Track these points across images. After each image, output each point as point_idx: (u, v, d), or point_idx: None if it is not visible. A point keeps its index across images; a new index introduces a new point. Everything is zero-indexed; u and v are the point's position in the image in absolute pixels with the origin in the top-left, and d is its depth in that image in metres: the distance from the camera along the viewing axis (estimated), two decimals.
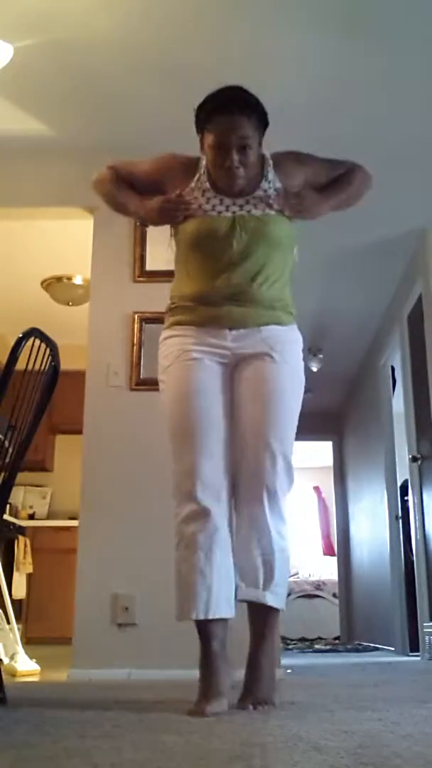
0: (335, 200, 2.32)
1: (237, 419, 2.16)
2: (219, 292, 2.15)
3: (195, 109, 2.18)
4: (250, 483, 2.10)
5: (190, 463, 2.08)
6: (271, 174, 2.24)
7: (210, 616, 2.00)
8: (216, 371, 2.16)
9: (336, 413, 8.89)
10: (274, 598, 2.05)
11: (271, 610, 2.06)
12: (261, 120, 2.17)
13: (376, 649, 6.41)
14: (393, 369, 6.23)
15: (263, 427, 2.11)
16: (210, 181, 2.21)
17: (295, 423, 2.19)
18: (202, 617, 2.00)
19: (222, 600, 2.02)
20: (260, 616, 2.07)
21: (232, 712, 1.92)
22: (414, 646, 5.37)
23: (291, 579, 9.53)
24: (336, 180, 2.33)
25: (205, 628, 2.03)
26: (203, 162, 2.23)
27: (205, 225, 2.18)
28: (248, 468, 2.11)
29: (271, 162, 2.25)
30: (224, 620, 2.05)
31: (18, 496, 6.52)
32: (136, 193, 2.32)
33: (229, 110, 2.11)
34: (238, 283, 2.15)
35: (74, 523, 4.12)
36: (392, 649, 5.89)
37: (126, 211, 2.39)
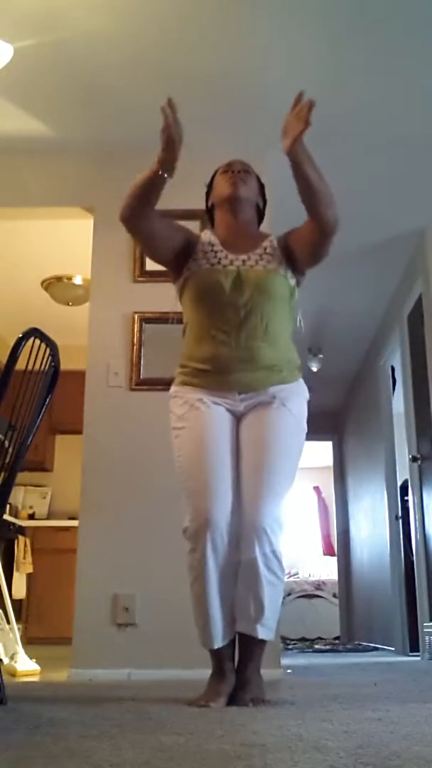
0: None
1: (240, 462, 2.27)
2: (228, 358, 2.27)
3: (206, 186, 2.53)
4: (244, 522, 2.21)
5: (205, 512, 2.19)
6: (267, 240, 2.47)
7: (222, 644, 2.21)
8: (228, 419, 2.30)
9: (336, 413, 8.89)
10: (264, 631, 2.20)
11: (259, 640, 2.21)
12: (259, 181, 2.53)
13: (376, 649, 6.41)
14: (393, 369, 6.23)
15: (260, 470, 2.23)
16: (217, 235, 2.43)
17: (295, 468, 2.31)
18: (215, 646, 2.21)
19: (228, 627, 2.21)
20: (249, 645, 2.22)
21: (232, 712, 1.93)
22: (414, 646, 5.37)
23: (291, 579, 9.54)
24: None
25: (218, 651, 2.21)
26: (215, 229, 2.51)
27: (209, 277, 2.33)
28: (245, 508, 2.22)
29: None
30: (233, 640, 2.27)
31: (18, 496, 6.52)
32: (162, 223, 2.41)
33: (232, 161, 2.52)
34: (245, 345, 2.27)
35: (74, 523, 4.12)
36: (392, 649, 5.89)
37: (152, 180, 2.23)
